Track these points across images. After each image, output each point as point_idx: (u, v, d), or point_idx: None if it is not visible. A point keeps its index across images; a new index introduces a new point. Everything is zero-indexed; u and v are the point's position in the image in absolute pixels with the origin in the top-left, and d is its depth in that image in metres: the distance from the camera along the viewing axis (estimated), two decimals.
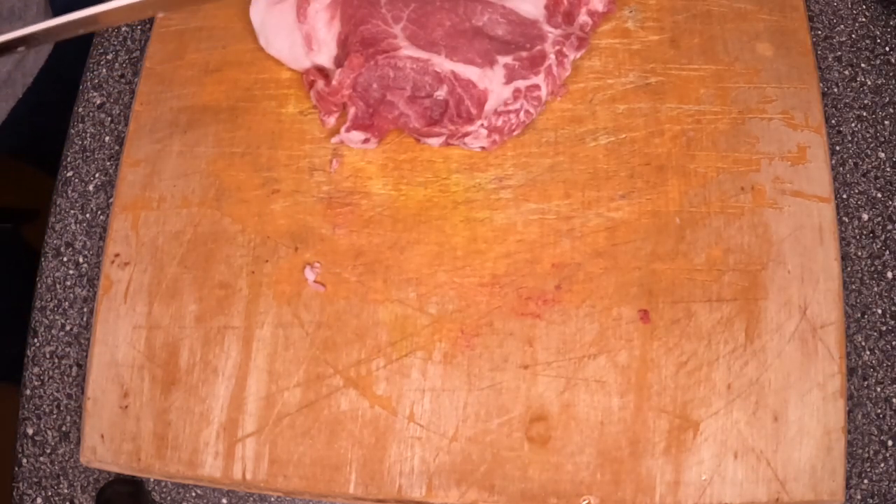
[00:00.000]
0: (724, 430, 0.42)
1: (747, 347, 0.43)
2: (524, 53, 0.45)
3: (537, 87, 0.45)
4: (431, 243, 0.45)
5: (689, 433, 0.42)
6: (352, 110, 0.44)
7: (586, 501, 0.42)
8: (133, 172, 0.47)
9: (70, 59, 0.64)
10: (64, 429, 0.47)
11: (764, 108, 0.47)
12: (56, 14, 0.64)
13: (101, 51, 0.53)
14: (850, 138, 0.50)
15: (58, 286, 0.49)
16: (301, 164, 0.46)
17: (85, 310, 0.48)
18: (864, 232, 0.49)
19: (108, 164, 0.51)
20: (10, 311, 0.64)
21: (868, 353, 0.47)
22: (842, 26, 0.52)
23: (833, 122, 0.50)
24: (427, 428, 0.42)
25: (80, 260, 0.49)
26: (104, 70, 0.53)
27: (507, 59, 0.44)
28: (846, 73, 0.51)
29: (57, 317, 0.48)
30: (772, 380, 0.43)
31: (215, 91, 0.48)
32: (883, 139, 0.50)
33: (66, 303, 0.49)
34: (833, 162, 0.48)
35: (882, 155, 0.50)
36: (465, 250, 0.44)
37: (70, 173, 0.51)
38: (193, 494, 0.46)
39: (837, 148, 0.50)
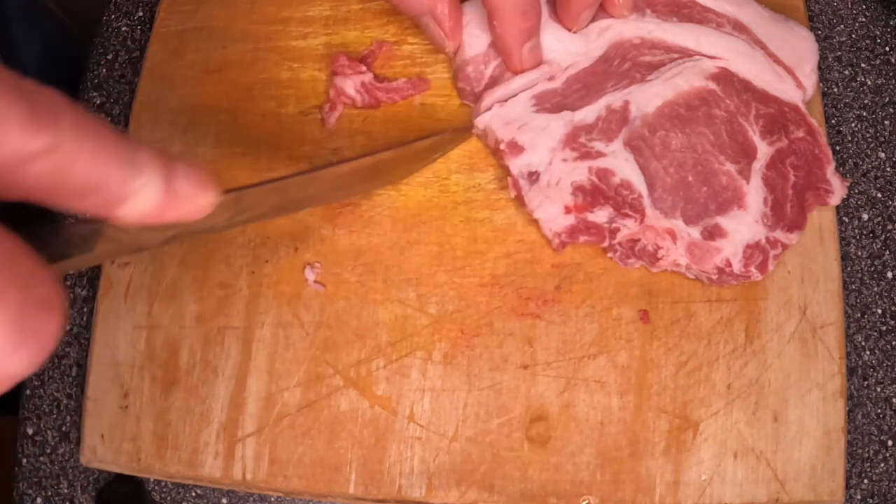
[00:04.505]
0: (724, 431, 0.42)
1: (747, 347, 0.43)
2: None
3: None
4: (431, 243, 0.45)
5: (689, 433, 0.42)
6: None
7: (586, 501, 0.42)
8: None
9: None
10: (64, 429, 0.47)
11: None
12: None
13: (101, 51, 0.53)
14: (850, 138, 0.50)
15: None
16: (301, 165, 0.46)
17: (85, 310, 0.48)
18: (864, 232, 0.49)
19: None
20: None
21: (868, 353, 0.47)
22: (842, 26, 0.52)
23: (833, 122, 0.50)
24: (427, 428, 0.42)
25: None
26: (104, 70, 0.53)
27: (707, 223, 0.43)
28: (846, 73, 0.51)
29: None
30: (772, 380, 0.43)
31: (215, 91, 0.48)
32: (883, 139, 0.50)
33: (67, 303, 0.49)
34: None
35: (882, 155, 0.50)
36: (464, 250, 0.44)
37: None
38: (193, 494, 0.46)
39: (837, 148, 0.50)
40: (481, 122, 0.44)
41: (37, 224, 0.26)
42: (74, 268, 0.31)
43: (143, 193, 0.25)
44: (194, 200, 0.27)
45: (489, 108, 0.43)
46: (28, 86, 0.22)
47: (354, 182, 0.42)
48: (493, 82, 0.45)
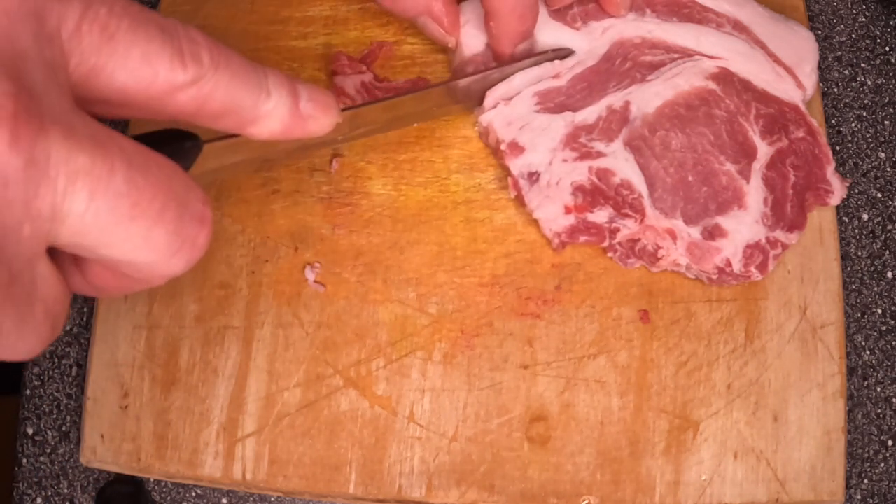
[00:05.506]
0: (724, 431, 0.42)
1: (747, 347, 0.43)
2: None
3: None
4: (431, 243, 0.45)
5: (689, 433, 0.42)
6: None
7: (586, 501, 0.42)
8: None
9: None
10: (64, 429, 0.47)
11: None
12: None
13: None
14: (850, 138, 0.50)
15: None
16: (301, 164, 0.46)
17: (85, 310, 0.48)
18: (864, 232, 0.49)
19: None
20: None
21: (868, 353, 0.47)
22: (842, 26, 0.52)
23: (833, 122, 0.50)
24: (427, 428, 0.42)
25: None
26: None
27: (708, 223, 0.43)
28: (846, 73, 0.51)
29: None
30: (772, 380, 0.43)
31: None
32: (883, 139, 0.50)
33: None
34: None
35: (882, 155, 0.50)
36: (465, 250, 0.44)
37: None
38: (193, 494, 0.46)
39: (837, 148, 0.50)
40: (484, 119, 0.44)
41: (180, 140, 0.30)
42: (214, 177, 0.36)
43: (272, 115, 0.29)
44: (318, 121, 0.31)
45: (493, 106, 0.43)
46: (172, 27, 0.26)
47: (462, 99, 0.44)
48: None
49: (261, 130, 0.29)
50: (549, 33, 0.44)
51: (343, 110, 0.34)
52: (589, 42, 0.44)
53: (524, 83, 0.44)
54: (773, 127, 0.44)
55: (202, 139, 0.31)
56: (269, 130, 0.29)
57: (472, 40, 0.45)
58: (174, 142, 0.30)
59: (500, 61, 0.44)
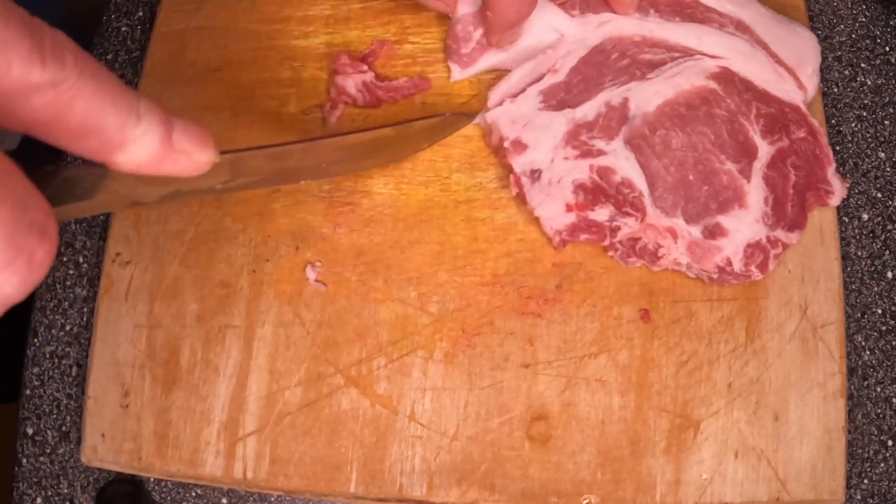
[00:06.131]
0: (725, 430, 0.42)
1: (748, 347, 0.43)
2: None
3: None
4: (432, 242, 0.45)
5: (690, 432, 0.42)
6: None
7: (587, 500, 0.42)
8: None
9: None
10: (64, 429, 0.47)
11: None
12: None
13: (101, 51, 0.53)
14: (850, 138, 0.50)
15: (58, 286, 0.49)
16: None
17: (85, 309, 0.48)
18: (864, 232, 0.49)
19: None
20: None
21: (868, 353, 0.47)
22: (842, 26, 0.52)
23: (833, 122, 0.51)
24: (428, 427, 0.42)
25: (80, 260, 0.49)
26: None
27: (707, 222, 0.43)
28: (846, 73, 0.51)
29: (57, 317, 0.48)
30: (772, 379, 0.43)
31: (216, 91, 0.48)
32: (883, 139, 0.50)
33: (66, 303, 0.49)
34: None
35: (882, 155, 0.50)
36: (465, 249, 0.44)
37: None
38: (193, 494, 0.46)
39: (837, 148, 0.50)
40: (490, 117, 0.44)
41: (37, 164, 0.26)
42: (73, 215, 0.31)
43: (140, 142, 0.25)
44: (191, 156, 0.27)
45: (499, 103, 0.43)
46: (37, 23, 0.23)
47: (352, 157, 0.42)
48: (482, 49, 0.45)
49: (126, 159, 0.25)
50: (544, 16, 0.44)
51: (222, 154, 0.30)
52: (582, 31, 0.44)
53: (523, 79, 0.44)
54: (773, 126, 0.44)
55: (63, 167, 0.28)
56: (137, 160, 0.26)
57: (465, 7, 0.45)
58: (30, 161, 0.26)
59: (488, 39, 0.44)
